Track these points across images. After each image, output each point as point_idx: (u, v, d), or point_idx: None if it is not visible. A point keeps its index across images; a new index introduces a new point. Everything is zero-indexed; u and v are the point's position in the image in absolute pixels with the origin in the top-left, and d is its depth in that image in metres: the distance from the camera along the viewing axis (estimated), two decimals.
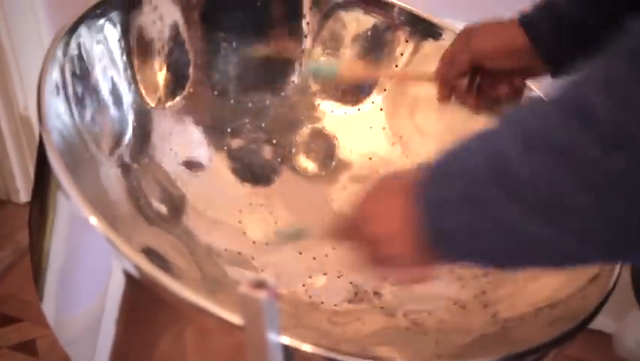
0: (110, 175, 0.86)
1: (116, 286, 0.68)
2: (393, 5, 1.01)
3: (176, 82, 0.96)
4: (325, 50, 1.03)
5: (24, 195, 1.86)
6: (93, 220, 0.65)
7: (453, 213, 0.55)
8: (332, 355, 0.62)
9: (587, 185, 0.49)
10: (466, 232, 0.55)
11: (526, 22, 0.81)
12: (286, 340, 0.60)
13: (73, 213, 0.70)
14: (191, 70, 0.97)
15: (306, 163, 1.01)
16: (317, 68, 0.99)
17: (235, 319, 0.61)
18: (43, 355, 1.54)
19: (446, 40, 0.98)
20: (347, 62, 0.97)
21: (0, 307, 1.64)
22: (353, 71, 0.96)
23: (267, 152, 1.01)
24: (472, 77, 0.86)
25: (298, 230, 0.89)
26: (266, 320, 0.58)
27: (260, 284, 0.57)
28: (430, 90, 1.00)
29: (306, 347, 0.61)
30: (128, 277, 0.67)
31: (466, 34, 0.85)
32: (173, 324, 0.69)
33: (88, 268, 0.73)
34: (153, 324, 0.70)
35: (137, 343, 0.72)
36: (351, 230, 0.66)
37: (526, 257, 0.56)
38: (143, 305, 0.70)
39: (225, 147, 0.99)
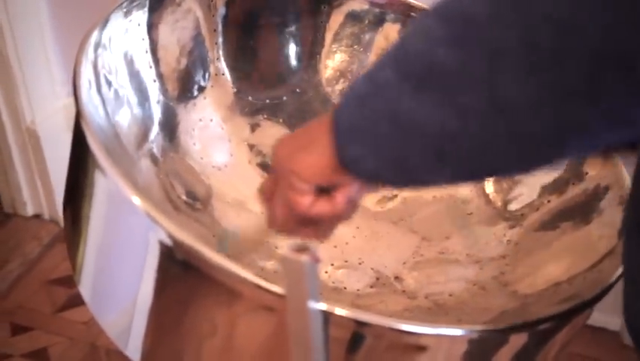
0: (140, 167, 0.89)
1: (153, 259, 0.71)
2: (406, 2, 1.04)
3: (198, 79, 1.00)
4: (339, 48, 1.06)
5: (30, 208, 1.88)
6: (130, 193, 0.68)
7: (357, 132, 0.56)
8: (369, 319, 0.65)
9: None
10: (369, 134, 0.55)
11: None
12: (329, 306, 0.63)
13: (111, 191, 0.73)
14: (211, 68, 1.01)
15: None
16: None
17: (275, 288, 0.64)
18: None
19: None
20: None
21: (10, 317, 1.66)
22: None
23: None
24: None
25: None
26: (308, 283, 0.61)
27: (302, 248, 0.60)
28: None
29: (343, 312, 0.64)
30: (164, 248, 0.69)
31: None
32: (207, 296, 0.72)
33: (125, 243, 0.76)
34: (188, 296, 0.72)
35: (171, 314, 0.75)
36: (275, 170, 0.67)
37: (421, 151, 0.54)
38: (178, 278, 0.72)
39: (245, 142, 1.02)
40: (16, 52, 1.67)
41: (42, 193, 1.84)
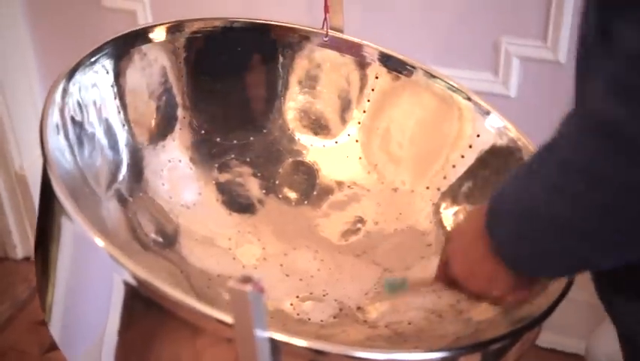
0: (108, 208, 0.93)
1: (117, 298, 0.75)
2: (363, 45, 1.10)
3: (166, 122, 1.04)
4: (302, 89, 1.11)
5: (20, 251, 1.92)
6: (93, 236, 0.72)
7: (520, 246, 0.71)
8: (317, 346, 0.68)
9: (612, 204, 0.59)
10: (537, 255, 0.70)
11: None
12: (274, 334, 0.67)
13: (76, 234, 0.77)
14: (179, 111, 1.05)
15: (290, 193, 1.09)
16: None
17: (225, 317, 0.67)
18: None
19: (414, 75, 1.07)
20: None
21: (1, 359, 1.69)
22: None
23: (253, 184, 1.08)
24: None
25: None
26: (253, 312, 0.64)
27: (247, 279, 0.64)
28: (400, 121, 1.09)
29: (293, 340, 0.67)
30: (128, 288, 0.73)
31: None
32: (170, 331, 0.75)
33: (91, 283, 0.80)
34: (153, 333, 0.76)
35: (137, 351, 0.78)
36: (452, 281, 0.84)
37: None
38: (143, 316, 0.76)
39: (213, 181, 1.06)
40: (5, 100, 1.73)
41: (31, 236, 1.88)
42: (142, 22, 1.59)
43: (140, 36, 1.01)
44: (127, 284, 0.73)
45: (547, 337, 1.56)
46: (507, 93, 1.39)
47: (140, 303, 0.74)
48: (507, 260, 0.73)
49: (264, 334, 0.66)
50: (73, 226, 0.77)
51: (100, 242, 0.72)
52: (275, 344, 0.68)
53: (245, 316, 0.65)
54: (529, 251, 0.70)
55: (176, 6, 1.56)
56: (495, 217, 0.72)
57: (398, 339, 0.92)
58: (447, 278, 0.85)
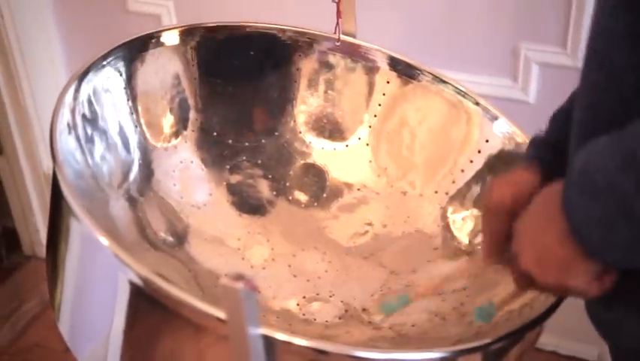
0: (118, 207, 0.95)
1: (123, 297, 0.77)
2: (375, 50, 1.11)
3: (179, 124, 1.06)
4: (314, 93, 1.13)
5: None
6: (99, 236, 0.74)
7: (601, 230, 0.61)
8: (310, 344, 0.69)
9: None
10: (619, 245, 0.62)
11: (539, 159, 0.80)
12: (267, 331, 0.68)
13: (84, 234, 0.79)
14: (191, 113, 1.07)
15: (300, 195, 1.10)
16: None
17: (219, 313, 0.69)
18: None
19: (424, 80, 1.08)
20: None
21: (26, 355, 1.73)
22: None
23: (264, 186, 1.10)
24: None
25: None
26: (245, 309, 0.66)
27: (239, 277, 0.65)
28: (410, 125, 1.10)
29: (284, 337, 0.68)
30: (133, 287, 0.75)
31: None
32: (174, 330, 0.76)
33: (97, 283, 0.82)
34: (158, 331, 0.78)
35: (143, 350, 0.80)
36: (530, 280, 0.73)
37: None
38: (148, 315, 0.78)
39: (225, 183, 1.08)
40: (34, 102, 1.77)
41: None
42: None
43: (153, 39, 1.03)
44: (132, 283, 0.75)
45: (567, 344, 1.56)
46: (526, 99, 1.39)
47: (145, 302, 0.76)
48: (582, 244, 0.63)
49: (256, 331, 0.67)
50: (80, 227, 0.79)
51: (105, 241, 0.74)
52: (269, 341, 0.69)
53: (237, 313, 0.66)
54: (613, 238, 0.61)
55: (200, 10, 1.59)
56: (575, 195, 0.63)
57: (401, 340, 0.93)
58: (524, 279, 0.74)
